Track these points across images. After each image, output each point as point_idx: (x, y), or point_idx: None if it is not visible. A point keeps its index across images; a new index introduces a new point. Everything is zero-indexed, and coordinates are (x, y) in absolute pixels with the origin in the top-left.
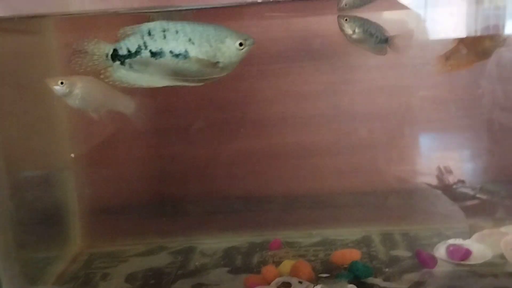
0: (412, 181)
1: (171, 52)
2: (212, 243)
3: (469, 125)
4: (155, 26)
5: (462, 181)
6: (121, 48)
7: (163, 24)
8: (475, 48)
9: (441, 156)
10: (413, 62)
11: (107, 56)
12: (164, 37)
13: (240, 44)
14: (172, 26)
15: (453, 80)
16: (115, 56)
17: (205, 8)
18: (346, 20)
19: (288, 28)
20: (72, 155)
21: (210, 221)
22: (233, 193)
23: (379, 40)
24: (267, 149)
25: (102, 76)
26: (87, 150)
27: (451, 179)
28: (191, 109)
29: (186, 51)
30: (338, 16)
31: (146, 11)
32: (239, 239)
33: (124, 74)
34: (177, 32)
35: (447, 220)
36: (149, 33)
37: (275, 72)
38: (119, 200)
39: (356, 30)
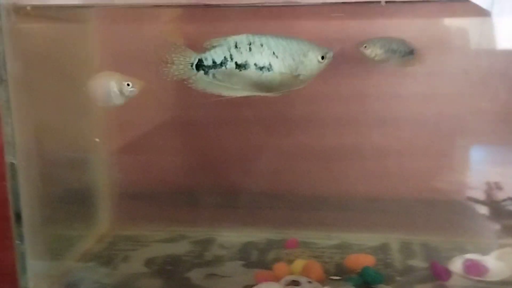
0: (444, 192)
1: (255, 64)
2: (232, 237)
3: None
4: (242, 39)
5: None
6: (206, 58)
7: (249, 37)
8: None
9: (477, 169)
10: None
11: (191, 65)
12: (250, 50)
13: (322, 57)
14: (257, 39)
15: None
16: (199, 65)
17: (251, 6)
18: (365, 47)
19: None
20: (97, 139)
21: (232, 215)
22: (258, 189)
23: (404, 53)
24: (296, 148)
25: (185, 83)
26: (121, 136)
27: (499, 195)
28: (226, 105)
29: (270, 64)
30: (357, 45)
31: (180, 4)
32: (258, 235)
33: (207, 83)
34: (262, 45)
35: (473, 235)
36: (236, 46)
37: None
38: (148, 187)
39: (378, 52)
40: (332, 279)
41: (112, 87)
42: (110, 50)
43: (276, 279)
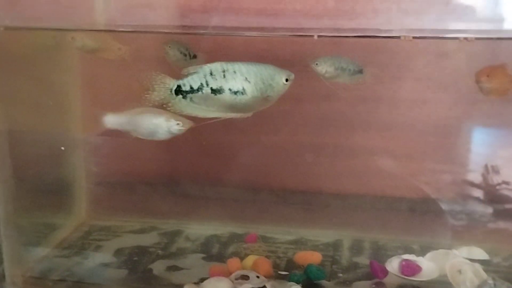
0: (408, 191)
1: (230, 89)
2: (199, 229)
3: None
4: (216, 67)
5: (507, 183)
6: (184, 84)
7: (223, 65)
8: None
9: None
10: None
11: (171, 91)
12: (224, 76)
13: (286, 80)
14: (230, 66)
15: None
16: (178, 91)
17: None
18: (316, 64)
19: None
20: (62, 148)
21: (202, 208)
22: (229, 183)
23: (353, 72)
24: (268, 144)
25: (164, 106)
26: (98, 129)
27: (495, 179)
28: None
29: (243, 89)
30: (309, 62)
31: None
32: (223, 229)
33: (184, 106)
34: (235, 72)
35: (423, 235)
36: (211, 73)
37: None
38: (126, 178)
39: (328, 70)
40: (280, 274)
41: (161, 124)
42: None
43: (229, 273)
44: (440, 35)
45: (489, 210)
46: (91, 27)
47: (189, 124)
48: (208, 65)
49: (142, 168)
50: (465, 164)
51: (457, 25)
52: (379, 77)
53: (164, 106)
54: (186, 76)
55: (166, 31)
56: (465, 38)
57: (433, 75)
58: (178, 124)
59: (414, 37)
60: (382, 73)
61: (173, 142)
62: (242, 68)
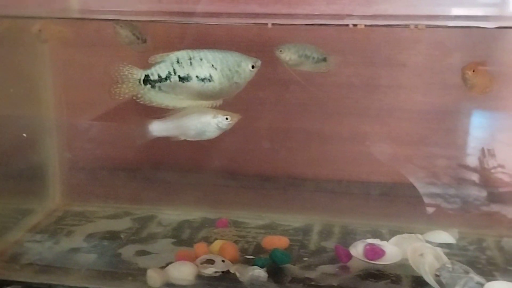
0: (383, 176)
1: (197, 76)
2: (172, 215)
3: None
4: (183, 54)
5: (503, 166)
6: (152, 74)
7: (189, 52)
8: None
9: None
10: None
11: (139, 81)
12: (191, 64)
13: (252, 67)
14: (196, 54)
15: None
16: (146, 80)
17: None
18: (280, 51)
19: None
20: (24, 134)
21: (176, 193)
22: (204, 168)
23: (317, 59)
24: (244, 128)
25: (134, 98)
26: (72, 116)
27: (491, 162)
28: None
29: (210, 76)
30: (274, 49)
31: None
32: (196, 214)
33: (153, 95)
34: (201, 59)
35: (392, 220)
36: (178, 61)
37: None
38: (100, 164)
39: (292, 57)
40: (247, 258)
41: (209, 122)
42: None
43: (195, 257)
44: (391, 23)
45: (459, 195)
46: (66, 14)
47: (237, 116)
48: (175, 53)
49: (120, 155)
50: (440, 147)
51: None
52: (352, 63)
53: (134, 98)
54: (153, 65)
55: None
56: (416, 26)
57: (408, 61)
58: (226, 118)
59: (366, 25)
60: (355, 59)
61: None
62: (208, 56)
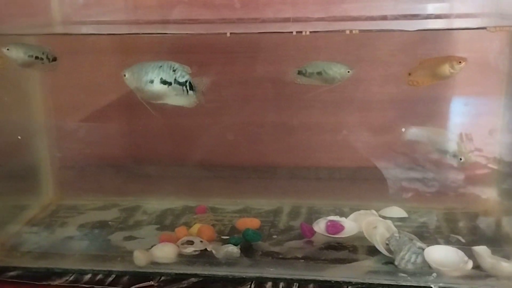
0: (347, 161)
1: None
2: (156, 204)
3: None
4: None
5: (480, 150)
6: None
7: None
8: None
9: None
10: None
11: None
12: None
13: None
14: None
15: None
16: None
17: None
18: (8, 49)
19: None
20: (19, 137)
21: (160, 185)
22: (185, 161)
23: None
24: (222, 121)
25: None
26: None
27: (468, 146)
28: None
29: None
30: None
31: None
32: (177, 202)
33: None
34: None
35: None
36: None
37: None
38: (89, 161)
39: (21, 56)
40: (223, 238)
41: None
42: None
43: (177, 239)
44: (330, 30)
45: (414, 175)
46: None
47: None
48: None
49: (106, 153)
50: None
51: None
52: None
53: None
54: None
55: None
56: (351, 31)
57: (365, 56)
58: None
59: (310, 32)
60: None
61: (135, 128)
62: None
